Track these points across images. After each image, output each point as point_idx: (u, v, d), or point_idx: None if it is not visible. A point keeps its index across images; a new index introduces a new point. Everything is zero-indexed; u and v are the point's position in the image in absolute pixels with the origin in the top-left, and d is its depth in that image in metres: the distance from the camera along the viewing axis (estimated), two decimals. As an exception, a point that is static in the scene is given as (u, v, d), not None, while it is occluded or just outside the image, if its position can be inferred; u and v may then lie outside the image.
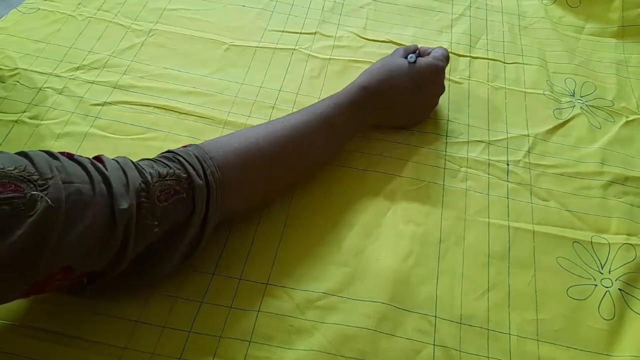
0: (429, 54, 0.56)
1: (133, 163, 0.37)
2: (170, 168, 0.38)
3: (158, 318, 0.42)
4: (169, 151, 0.41)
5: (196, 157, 0.40)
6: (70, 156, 0.35)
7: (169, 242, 0.39)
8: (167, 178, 0.37)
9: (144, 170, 0.37)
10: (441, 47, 0.57)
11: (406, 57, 0.54)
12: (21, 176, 0.30)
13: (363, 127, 0.54)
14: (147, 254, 0.38)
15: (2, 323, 0.40)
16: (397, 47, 0.67)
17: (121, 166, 0.36)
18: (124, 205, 0.34)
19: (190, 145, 0.42)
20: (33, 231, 0.29)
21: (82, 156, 0.36)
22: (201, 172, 0.39)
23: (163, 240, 0.38)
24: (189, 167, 0.39)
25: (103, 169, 0.35)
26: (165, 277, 0.41)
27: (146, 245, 0.37)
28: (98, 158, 0.37)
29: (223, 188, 0.41)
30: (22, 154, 0.32)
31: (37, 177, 0.30)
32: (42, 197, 0.29)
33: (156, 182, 0.36)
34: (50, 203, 0.30)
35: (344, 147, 0.54)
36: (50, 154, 0.33)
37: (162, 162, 0.39)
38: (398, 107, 0.54)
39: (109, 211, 0.33)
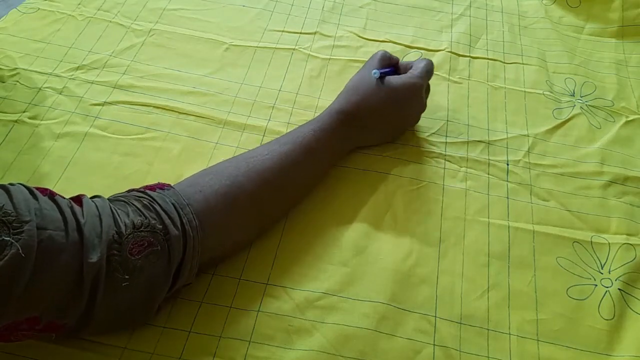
0: (410, 67, 0.53)
1: (111, 208, 0.36)
2: (146, 218, 0.36)
3: (158, 318, 0.42)
4: (144, 193, 0.39)
5: (173, 204, 0.38)
6: (51, 195, 0.34)
7: (150, 294, 0.37)
8: (142, 229, 0.35)
9: (119, 219, 0.35)
10: (426, 59, 0.54)
11: (380, 69, 0.51)
12: None
13: (345, 151, 0.53)
14: (128, 307, 0.37)
15: (2, 323, 0.40)
16: (397, 46, 0.67)
17: (99, 212, 0.35)
18: (94, 258, 0.33)
19: (168, 188, 0.40)
20: None
21: (63, 197, 0.35)
22: (177, 220, 0.37)
23: (145, 293, 0.37)
24: (164, 216, 0.37)
25: (80, 215, 0.34)
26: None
27: (119, 298, 0.35)
28: (78, 199, 0.36)
29: (204, 234, 0.39)
30: (3, 187, 0.31)
31: (14, 218, 0.29)
32: (12, 243, 0.29)
33: (130, 233, 0.35)
34: (20, 251, 0.29)
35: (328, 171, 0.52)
36: (30, 191, 0.32)
37: (137, 208, 0.37)
38: (377, 126, 0.53)
39: (78, 262, 0.32)
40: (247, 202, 0.43)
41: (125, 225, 0.35)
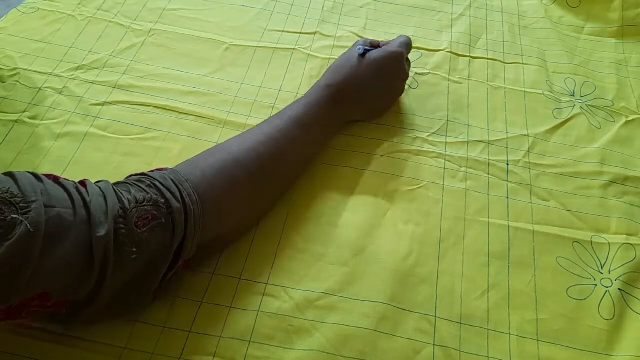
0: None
1: (113, 188, 0.37)
2: (148, 193, 0.37)
3: (158, 318, 0.42)
4: (144, 175, 0.40)
5: (172, 180, 0.39)
6: (56, 179, 0.35)
7: (152, 268, 0.38)
8: (145, 204, 0.36)
9: (122, 196, 0.36)
10: (403, 35, 0.57)
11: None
12: (3, 198, 0.29)
13: (337, 125, 0.54)
14: (130, 282, 0.37)
15: (2, 323, 0.40)
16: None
17: (102, 192, 0.36)
18: (102, 232, 0.33)
19: (166, 168, 0.41)
20: (10, 255, 0.29)
21: (67, 180, 0.35)
22: (178, 195, 0.38)
23: (146, 268, 0.37)
24: (165, 191, 0.38)
25: (85, 194, 0.35)
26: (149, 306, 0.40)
27: (127, 273, 0.36)
28: (82, 182, 0.37)
29: (203, 208, 0.39)
30: (9, 174, 0.32)
31: (20, 199, 0.30)
32: (22, 221, 0.29)
33: (134, 208, 0.36)
34: (29, 228, 0.29)
35: (335, 146, 0.54)
36: (35, 176, 0.33)
37: (139, 186, 0.38)
38: (364, 99, 0.54)
39: (87, 238, 0.33)
40: (244, 178, 0.44)
41: (129, 200, 0.36)
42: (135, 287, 0.37)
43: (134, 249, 0.35)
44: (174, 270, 0.39)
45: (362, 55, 0.53)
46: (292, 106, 0.50)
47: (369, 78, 0.53)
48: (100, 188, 0.36)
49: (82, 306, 0.36)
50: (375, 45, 0.56)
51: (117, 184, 0.39)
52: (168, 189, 0.38)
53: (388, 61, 0.53)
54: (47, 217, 0.31)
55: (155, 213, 0.36)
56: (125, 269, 0.35)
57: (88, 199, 0.34)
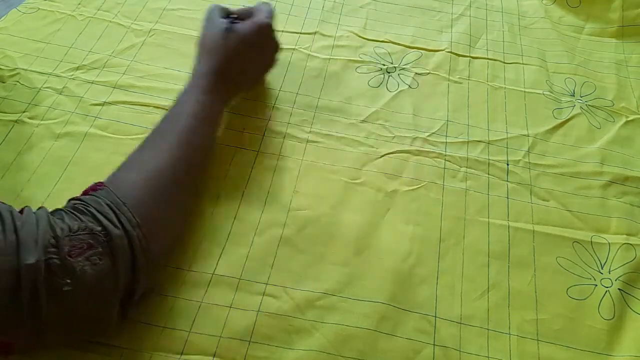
0: (251, 12, 0.55)
1: (48, 216, 0.35)
2: (82, 222, 0.36)
3: (158, 318, 0.42)
4: (78, 200, 0.39)
5: (108, 205, 0.38)
6: None
7: (99, 298, 0.36)
8: (79, 233, 0.35)
9: (55, 225, 0.34)
10: (264, 3, 0.55)
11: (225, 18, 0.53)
12: None
13: (224, 106, 0.53)
14: (82, 311, 0.35)
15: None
16: (397, 46, 0.67)
17: (37, 219, 0.34)
18: (31, 260, 0.31)
19: (101, 188, 0.40)
20: None
21: (4, 203, 0.34)
22: (116, 220, 0.37)
23: (94, 298, 0.35)
24: (102, 218, 0.36)
25: (18, 219, 0.33)
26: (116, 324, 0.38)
27: (69, 303, 0.34)
28: (22, 210, 0.35)
29: (144, 229, 0.38)
30: None
31: None
32: None
33: (66, 236, 0.34)
34: None
35: None
36: None
37: (73, 214, 0.36)
38: (241, 76, 0.53)
39: (15, 266, 0.31)
40: (171, 187, 0.43)
41: (62, 229, 0.34)
42: (89, 314, 0.36)
43: (67, 280, 0.33)
44: (137, 291, 0.38)
45: (227, 28, 0.51)
46: (185, 101, 0.48)
47: (245, 54, 0.52)
48: (35, 214, 0.35)
49: (25, 349, 0.34)
50: (231, 13, 0.55)
51: (53, 211, 0.37)
52: (105, 216, 0.37)
53: (260, 34, 0.53)
54: None
55: (91, 242, 0.35)
56: (61, 299, 0.33)
57: (19, 224, 0.33)
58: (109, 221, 0.36)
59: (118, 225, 0.37)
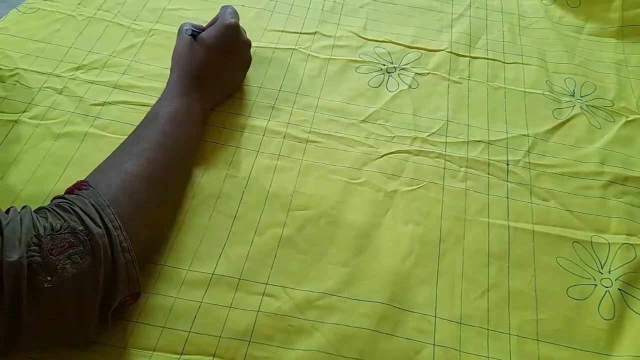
0: (216, 20, 0.56)
1: (31, 215, 0.36)
2: (65, 220, 0.36)
3: (158, 318, 0.42)
4: (62, 198, 0.39)
5: (92, 205, 0.38)
6: None
7: (81, 297, 0.36)
8: (62, 231, 0.35)
9: (38, 223, 0.35)
10: (226, 5, 0.57)
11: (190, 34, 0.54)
12: None
13: (204, 111, 0.54)
14: (62, 310, 0.35)
15: None
16: (397, 46, 0.67)
17: (20, 218, 0.35)
18: (13, 257, 0.32)
19: (86, 187, 0.40)
20: None
21: None
22: (99, 220, 0.37)
23: (75, 297, 0.35)
24: (85, 217, 0.37)
25: (3, 218, 0.34)
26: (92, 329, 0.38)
27: (49, 302, 0.34)
28: (8, 210, 0.36)
29: (124, 231, 0.38)
30: None
31: None
32: None
33: (48, 234, 0.34)
34: None
35: None
36: None
37: (56, 212, 0.37)
38: (220, 80, 0.55)
39: None
40: (148, 190, 0.43)
41: (44, 228, 0.35)
42: (69, 314, 0.36)
43: (48, 277, 0.33)
44: (117, 292, 0.38)
45: (193, 35, 0.54)
46: (160, 106, 0.49)
47: (215, 58, 0.53)
48: (19, 213, 0.35)
49: (5, 344, 0.34)
50: (199, 28, 0.56)
51: (38, 210, 0.38)
52: (88, 215, 0.37)
53: (227, 35, 0.54)
54: None
55: (73, 240, 0.35)
56: (42, 297, 0.33)
57: (4, 222, 0.33)
58: (91, 221, 0.37)
59: (100, 225, 0.37)
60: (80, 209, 0.37)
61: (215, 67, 0.54)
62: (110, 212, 0.38)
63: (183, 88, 0.51)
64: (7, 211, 0.36)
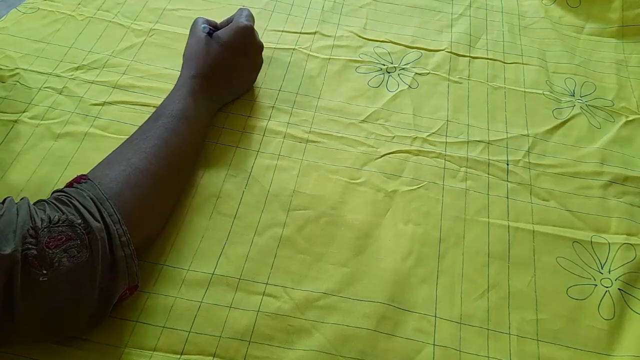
0: (231, 20, 0.56)
1: (29, 206, 0.35)
2: (63, 213, 0.36)
3: (158, 318, 0.42)
4: (61, 191, 0.39)
5: (91, 199, 0.38)
6: None
7: (77, 290, 0.35)
8: (59, 224, 0.35)
9: (35, 215, 0.34)
10: (243, 8, 0.57)
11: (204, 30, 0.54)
12: None
13: (213, 112, 0.55)
14: (58, 303, 0.35)
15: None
16: (397, 46, 0.67)
17: (17, 209, 0.34)
18: (7, 250, 0.31)
19: (85, 180, 0.40)
20: None
21: None
22: (97, 214, 0.37)
23: (72, 289, 0.35)
24: (84, 211, 0.36)
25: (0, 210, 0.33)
26: (87, 325, 0.38)
27: (44, 295, 0.34)
28: (4, 200, 0.35)
29: (124, 225, 0.38)
30: None
31: None
32: None
33: (45, 227, 0.34)
34: None
35: None
36: None
37: (55, 205, 0.36)
38: (230, 81, 0.55)
39: None
40: (151, 186, 0.43)
41: (42, 220, 0.34)
42: (64, 309, 0.35)
43: (44, 271, 0.33)
44: (116, 287, 0.38)
45: (209, 34, 0.54)
46: (168, 103, 0.49)
47: (229, 59, 0.53)
48: (16, 205, 0.35)
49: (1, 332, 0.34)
50: (215, 25, 0.57)
51: (36, 202, 0.37)
52: (87, 208, 0.37)
53: (243, 37, 0.54)
54: None
55: (70, 234, 0.35)
56: (37, 291, 0.33)
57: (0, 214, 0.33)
58: (90, 214, 0.36)
59: (99, 219, 0.37)
60: (79, 202, 0.37)
61: (229, 67, 0.54)
62: (109, 206, 0.38)
63: (194, 86, 0.51)
64: (4, 201, 0.35)
